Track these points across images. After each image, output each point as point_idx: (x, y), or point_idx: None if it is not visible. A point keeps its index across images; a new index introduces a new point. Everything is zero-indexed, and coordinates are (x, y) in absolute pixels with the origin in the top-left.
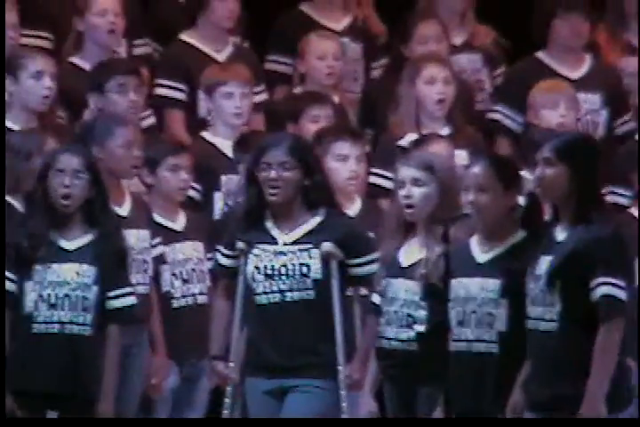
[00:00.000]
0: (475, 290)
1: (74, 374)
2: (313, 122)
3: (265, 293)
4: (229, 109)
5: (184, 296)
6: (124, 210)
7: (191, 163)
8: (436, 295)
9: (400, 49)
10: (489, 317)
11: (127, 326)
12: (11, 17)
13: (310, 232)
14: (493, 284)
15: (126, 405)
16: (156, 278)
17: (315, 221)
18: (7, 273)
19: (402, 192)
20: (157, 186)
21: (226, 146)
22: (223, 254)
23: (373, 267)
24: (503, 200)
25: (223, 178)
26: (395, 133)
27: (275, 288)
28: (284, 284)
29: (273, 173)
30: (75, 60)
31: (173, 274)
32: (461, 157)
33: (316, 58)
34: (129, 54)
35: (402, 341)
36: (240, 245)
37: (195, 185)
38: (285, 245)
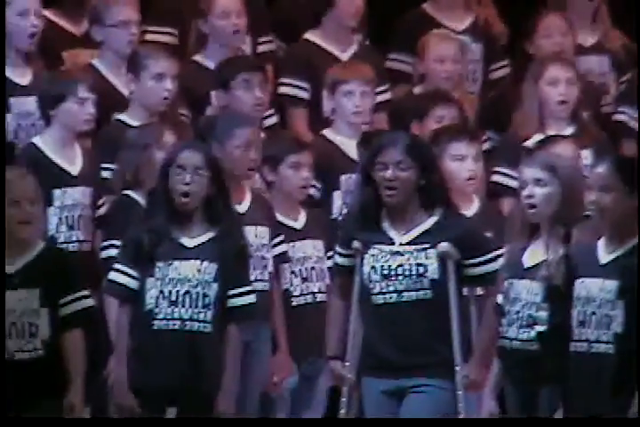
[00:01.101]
0: (595, 291)
1: (194, 370)
2: (438, 122)
3: (381, 293)
4: (350, 108)
5: (303, 294)
6: (242, 207)
7: (312, 161)
8: (557, 297)
9: (524, 46)
10: (607, 318)
11: (247, 323)
12: (133, 14)
13: (427, 232)
14: (611, 285)
15: (247, 402)
16: (277, 276)
17: (431, 221)
18: (128, 269)
19: (524, 192)
20: (278, 184)
21: (346, 144)
22: (339, 253)
23: (490, 267)
24: (627, 201)
25: (342, 177)
26: (519, 132)
27: (391, 288)
28: (400, 284)
29: (389, 173)
30: (198, 58)
31: (293, 272)
32: (585, 156)
33: (434, 60)
34: (253, 51)
35: (523, 341)
36: (356, 244)
37: (314, 183)
38: (402, 245)
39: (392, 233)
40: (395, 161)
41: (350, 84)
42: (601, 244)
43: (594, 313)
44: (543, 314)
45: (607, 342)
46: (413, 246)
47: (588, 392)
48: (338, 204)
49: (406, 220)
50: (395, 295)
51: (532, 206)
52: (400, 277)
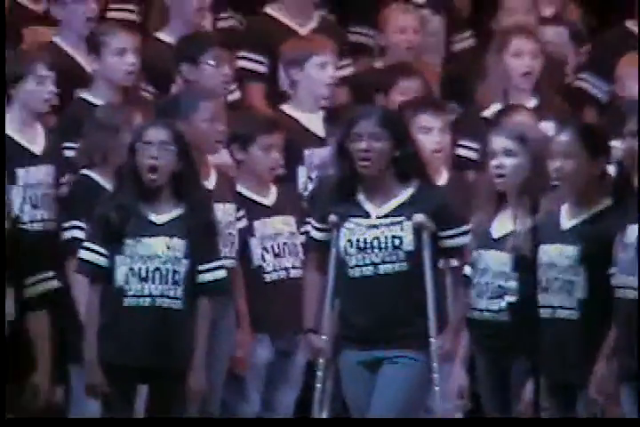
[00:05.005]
0: (556, 257)
1: (165, 347)
2: (402, 94)
3: (358, 266)
4: (323, 80)
5: (276, 270)
6: (209, 183)
7: (283, 141)
8: (526, 266)
9: (487, 21)
10: (569, 284)
11: (217, 299)
12: None
13: (402, 204)
14: (573, 250)
15: (214, 379)
16: (243, 252)
17: (407, 193)
18: (98, 248)
19: (493, 162)
20: (248, 163)
21: (308, 119)
22: (315, 228)
23: (465, 238)
24: (589, 168)
25: (306, 152)
26: (481, 104)
27: (367, 261)
28: (376, 256)
29: (363, 144)
30: (161, 35)
31: (264, 248)
32: (549, 128)
33: (395, 32)
34: (214, 27)
35: (493, 311)
36: (333, 218)
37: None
38: (378, 218)
39: (368, 206)
40: (369, 132)
41: (322, 56)
42: (564, 210)
43: (556, 279)
44: (512, 284)
45: (570, 308)
46: (389, 219)
47: (554, 359)
48: (302, 179)
49: (382, 192)
50: (371, 268)
51: (501, 176)
52: (376, 250)
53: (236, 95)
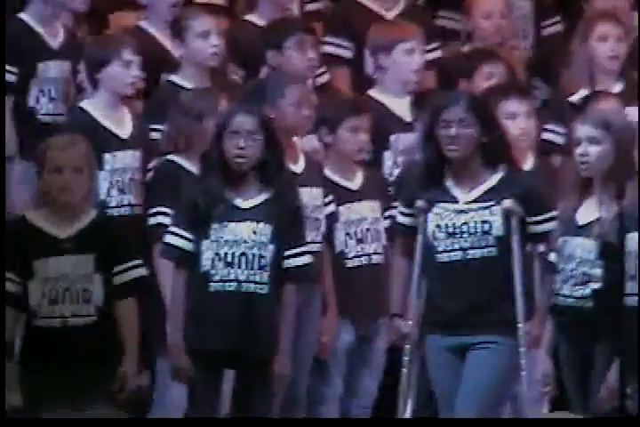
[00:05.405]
0: None
1: (251, 332)
2: (486, 79)
3: (446, 251)
4: (410, 66)
5: (358, 256)
6: (298, 168)
7: (370, 124)
8: (611, 254)
9: (577, 6)
10: None
11: (303, 284)
12: None
13: (491, 189)
14: None
15: (300, 364)
16: (329, 237)
17: (495, 179)
18: (184, 232)
19: (578, 150)
20: (336, 146)
21: (394, 104)
22: (402, 213)
23: (552, 224)
24: None
25: (392, 137)
26: (567, 89)
27: (456, 246)
28: (465, 241)
29: (453, 131)
30: (250, 17)
31: (347, 234)
32: (634, 113)
33: (482, 17)
34: (301, 10)
35: (577, 298)
36: (420, 203)
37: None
38: (466, 203)
39: (456, 191)
40: (458, 118)
41: (410, 42)
42: None
43: None
44: (598, 271)
45: None
46: (478, 204)
47: (638, 345)
48: (388, 164)
49: (470, 177)
50: (460, 253)
51: (585, 163)
52: (465, 235)
53: (325, 78)
